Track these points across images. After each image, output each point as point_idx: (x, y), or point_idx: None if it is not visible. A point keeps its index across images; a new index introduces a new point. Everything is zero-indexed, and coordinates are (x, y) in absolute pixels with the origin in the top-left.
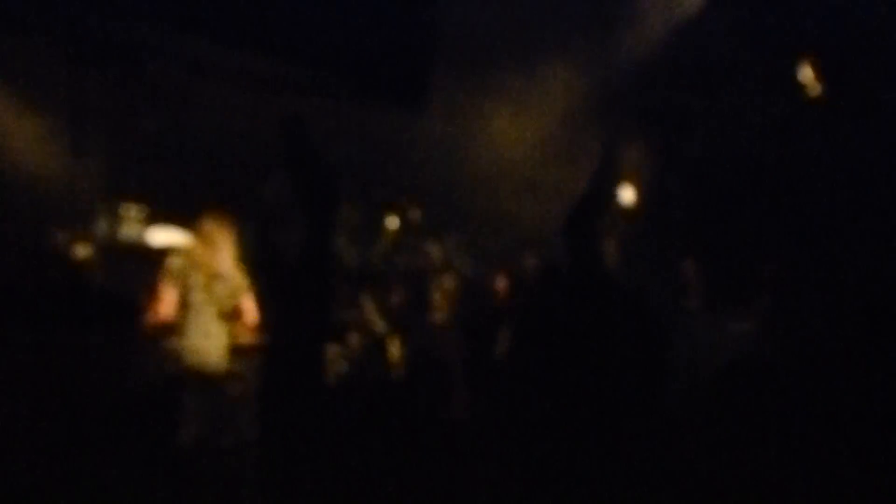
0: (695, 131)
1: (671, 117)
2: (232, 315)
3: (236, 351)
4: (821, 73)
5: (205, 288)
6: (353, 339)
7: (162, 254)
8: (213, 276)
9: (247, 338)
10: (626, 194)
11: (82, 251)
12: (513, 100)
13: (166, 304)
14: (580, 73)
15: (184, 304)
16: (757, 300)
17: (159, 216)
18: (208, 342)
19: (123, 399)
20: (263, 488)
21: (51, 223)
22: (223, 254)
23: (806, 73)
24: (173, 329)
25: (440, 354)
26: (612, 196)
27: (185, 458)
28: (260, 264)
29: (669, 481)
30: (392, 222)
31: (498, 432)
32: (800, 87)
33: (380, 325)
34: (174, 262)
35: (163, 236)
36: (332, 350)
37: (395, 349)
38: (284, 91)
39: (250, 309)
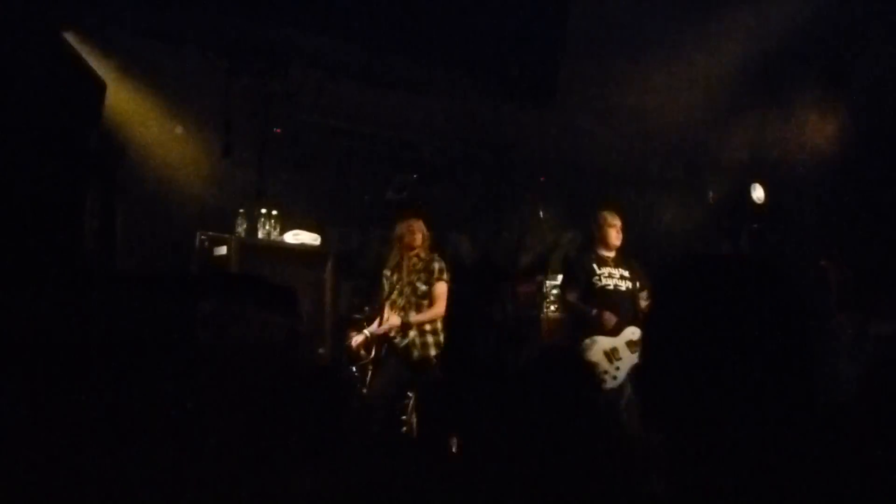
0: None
1: (807, 111)
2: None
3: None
4: None
5: (401, 284)
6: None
7: (293, 253)
8: (410, 272)
9: (439, 329)
10: (759, 190)
11: (222, 250)
12: (642, 93)
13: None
14: (712, 63)
15: (387, 300)
16: None
17: (293, 219)
18: (406, 335)
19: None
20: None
21: (197, 226)
22: (418, 253)
23: None
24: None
25: None
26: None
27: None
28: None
29: (807, 486)
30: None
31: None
32: None
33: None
34: (384, 274)
35: (295, 237)
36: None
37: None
38: (417, 91)
39: (441, 302)
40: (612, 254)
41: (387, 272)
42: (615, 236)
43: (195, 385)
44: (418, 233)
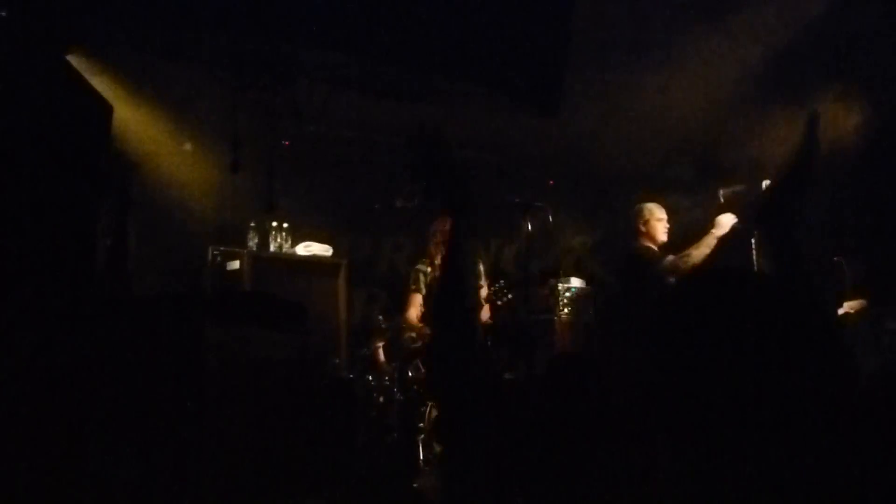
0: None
1: (820, 107)
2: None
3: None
4: None
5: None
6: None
7: (305, 265)
8: None
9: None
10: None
11: (235, 265)
12: (649, 94)
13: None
14: (720, 61)
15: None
16: None
17: (304, 230)
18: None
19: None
20: None
21: (209, 240)
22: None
23: None
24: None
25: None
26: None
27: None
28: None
29: (819, 486)
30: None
31: (655, 430)
32: None
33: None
34: (419, 269)
35: (307, 249)
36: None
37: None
38: (423, 100)
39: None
40: (658, 251)
41: (425, 268)
42: (662, 231)
43: (206, 406)
44: None
